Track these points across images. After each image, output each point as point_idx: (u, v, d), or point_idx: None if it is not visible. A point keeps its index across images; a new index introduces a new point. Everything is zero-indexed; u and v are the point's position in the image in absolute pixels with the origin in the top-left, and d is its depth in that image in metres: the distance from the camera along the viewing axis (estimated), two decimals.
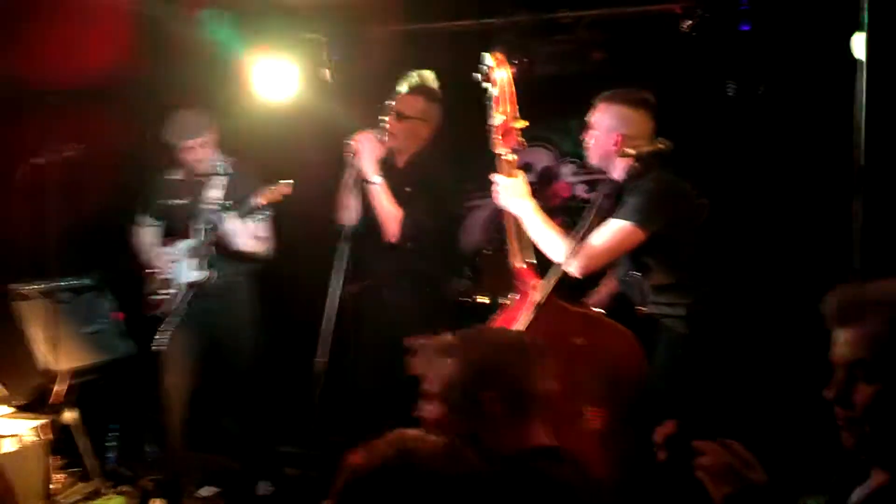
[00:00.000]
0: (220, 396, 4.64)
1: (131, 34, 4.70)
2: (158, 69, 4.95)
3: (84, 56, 4.51)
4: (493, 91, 3.06)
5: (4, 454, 3.76)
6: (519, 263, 3.09)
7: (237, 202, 4.12)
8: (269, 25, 4.85)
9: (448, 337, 1.98)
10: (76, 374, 4.33)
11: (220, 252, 4.19)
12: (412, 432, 1.44)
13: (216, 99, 4.85)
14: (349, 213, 3.70)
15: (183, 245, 4.26)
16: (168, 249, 4.31)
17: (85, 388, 4.54)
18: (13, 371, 4.25)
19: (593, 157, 3.20)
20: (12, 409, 4.18)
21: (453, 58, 4.37)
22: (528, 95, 3.09)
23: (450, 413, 1.87)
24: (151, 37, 4.78)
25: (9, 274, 4.32)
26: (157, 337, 4.19)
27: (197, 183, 4.27)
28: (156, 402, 4.30)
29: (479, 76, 3.09)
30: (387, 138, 3.81)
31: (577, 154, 5.93)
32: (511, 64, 3.08)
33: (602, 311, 3.17)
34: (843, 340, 1.49)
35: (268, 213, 4.28)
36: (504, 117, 3.02)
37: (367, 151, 3.72)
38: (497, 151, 3.07)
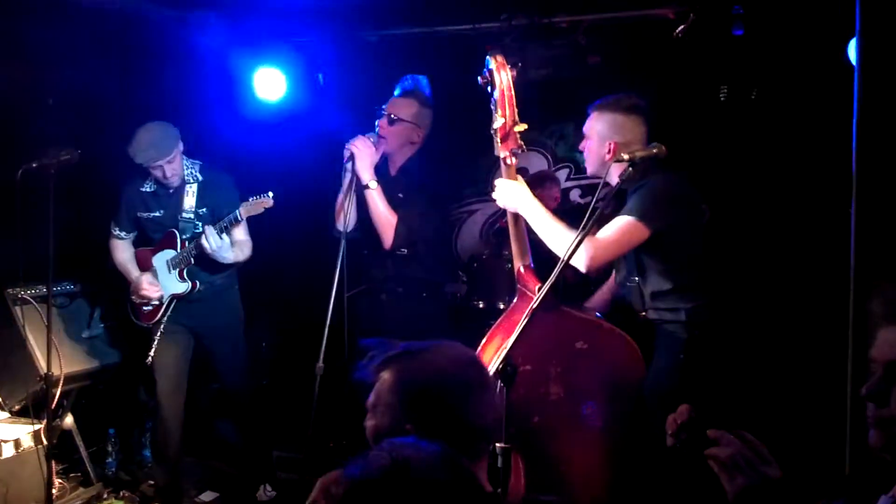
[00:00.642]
0: (219, 402, 4.64)
1: (127, 37, 4.71)
2: (153, 73, 4.95)
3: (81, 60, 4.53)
4: (494, 94, 3.06)
5: (2, 460, 3.76)
6: (519, 267, 3.10)
7: (213, 212, 4.10)
8: (262, 29, 4.86)
9: (389, 349, 1.79)
10: (74, 378, 4.32)
11: (200, 261, 4.15)
12: (407, 441, 1.39)
13: (209, 103, 4.87)
14: (346, 218, 3.70)
15: (163, 257, 4.23)
16: (148, 272, 4.27)
17: (83, 393, 4.54)
18: (11, 376, 4.25)
19: (590, 166, 3.24)
20: (9, 415, 4.18)
21: (450, 62, 4.39)
22: (523, 99, 3.10)
23: (377, 431, 1.71)
24: (146, 40, 4.78)
25: (6, 278, 4.31)
26: (151, 347, 4.19)
27: (170, 194, 4.21)
28: (150, 410, 4.29)
29: (480, 79, 3.09)
30: (380, 142, 3.82)
31: (571, 158, 5.98)
32: (511, 67, 3.08)
33: (601, 315, 3.18)
34: (885, 339, 1.46)
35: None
36: (504, 120, 3.02)
37: (363, 156, 3.72)
38: (498, 154, 3.07)
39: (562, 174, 5.97)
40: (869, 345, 1.49)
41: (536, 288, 2.93)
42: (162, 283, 4.22)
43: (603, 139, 3.13)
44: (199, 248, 4.03)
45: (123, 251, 4.35)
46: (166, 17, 4.73)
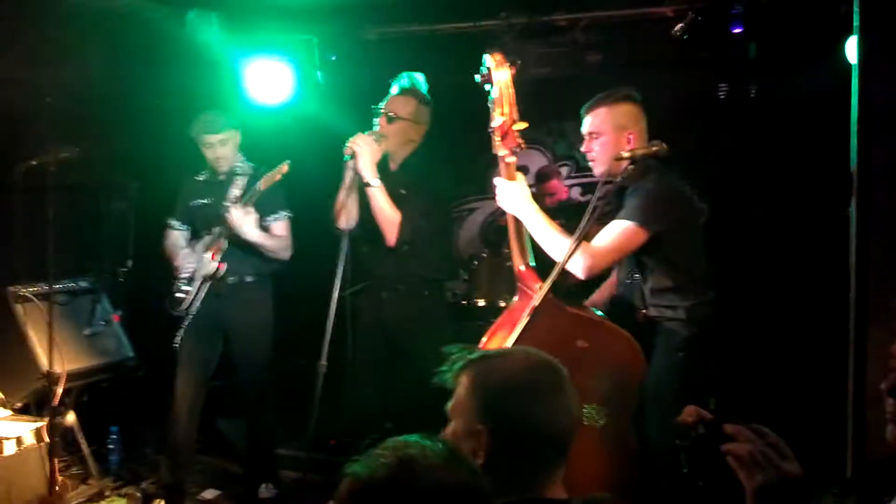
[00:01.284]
0: (222, 400, 4.65)
1: (126, 36, 4.71)
2: (152, 72, 4.95)
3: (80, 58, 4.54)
4: (493, 92, 3.06)
5: (5, 457, 3.76)
6: (520, 266, 3.11)
7: (257, 208, 4.16)
8: (263, 27, 4.87)
9: (469, 353, 1.77)
10: (76, 376, 4.33)
11: (235, 253, 4.20)
12: (412, 440, 1.37)
13: (209, 102, 4.87)
14: (347, 216, 3.70)
15: (201, 242, 4.29)
16: (189, 251, 4.35)
17: (85, 390, 4.55)
18: (13, 373, 4.25)
19: (603, 164, 3.12)
20: (11, 412, 4.18)
21: (449, 60, 4.40)
22: (522, 98, 3.10)
23: (455, 435, 1.67)
24: (145, 39, 4.79)
25: (7, 276, 4.32)
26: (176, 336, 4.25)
27: (219, 183, 4.31)
28: (164, 403, 4.30)
29: (478, 78, 3.09)
30: (380, 141, 3.83)
31: (571, 157, 5.99)
32: (510, 65, 3.08)
33: (602, 313, 3.19)
34: None
35: (287, 214, 4.31)
36: (504, 119, 3.02)
37: (365, 154, 3.73)
38: (497, 153, 3.07)
39: (561, 171, 5.97)
40: (891, 340, 1.49)
41: (537, 287, 2.93)
42: (198, 266, 4.26)
43: (621, 130, 3.09)
44: (229, 225, 4.12)
45: (176, 238, 4.44)
46: (165, 14, 4.73)
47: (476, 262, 5.21)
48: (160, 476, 4.37)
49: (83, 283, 4.71)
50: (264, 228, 4.23)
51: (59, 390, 4.02)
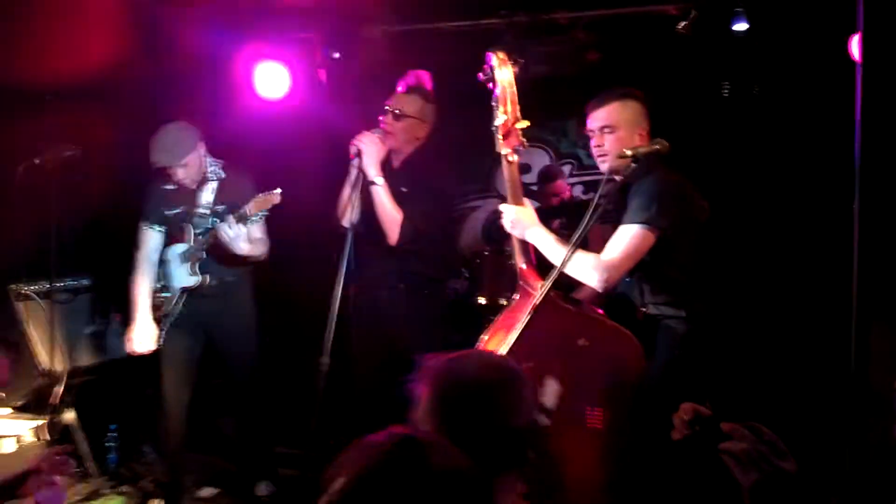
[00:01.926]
0: (220, 398, 4.65)
1: (128, 34, 4.70)
2: (155, 70, 4.95)
3: (81, 56, 4.52)
4: (496, 91, 3.05)
5: (3, 455, 3.76)
6: (521, 264, 3.10)
7: (230, 207, 4.10)
8: (264, 26, 4.86)
9: (437, 359, 1.78)
10: (75, 374, 4.33)
11: (213, 255, 4.15)
12: (405, 427, 1.38)
13: (213, 100, 4.87)
14: (350, 214, 3.70)
15: (175, 250, 4.24)
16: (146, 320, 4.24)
17: (84, 388, 4.55)
18: (13, 371, 4.25)
19: (613, 160, 3.06)
20: (11, 410, 4.18)
21: (451, 58, 4.39)
22: (524, 96, 3.09)
23: None
24: (148, 37, 4.78)
25: (8, 274, 4.32)
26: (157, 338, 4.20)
27: (190, 190, 4.22)
28: (154, 403, 4.30)
29: (481, 76, 3.08)
30: (385, 138, 3.82)
31: (573, 155, 5.98)
32: (513, 63, 3.07)
33: (601, 311, 3.17)
34: None
35: (263, 214, 4.27)
36: (506, 117, 3.01)
37: (369, 152, 3.72)
38: (500, 152, 3.06)
39: (564, 170, 5.97)
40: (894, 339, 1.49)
41: (538, 285, 2.93)
42: (172, 276, 4.23)
43: (633, 127, 3.08)
44: (216, 238, 4.04)
45: (156, 239, 4.29)
46: (167, 12, 4.73)
47: (478, 261, 5.20)
48: (158, 474, 4.37)
49: (84, 282, 4.71)
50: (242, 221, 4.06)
51: (60, 388, 4.02)
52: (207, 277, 4.16)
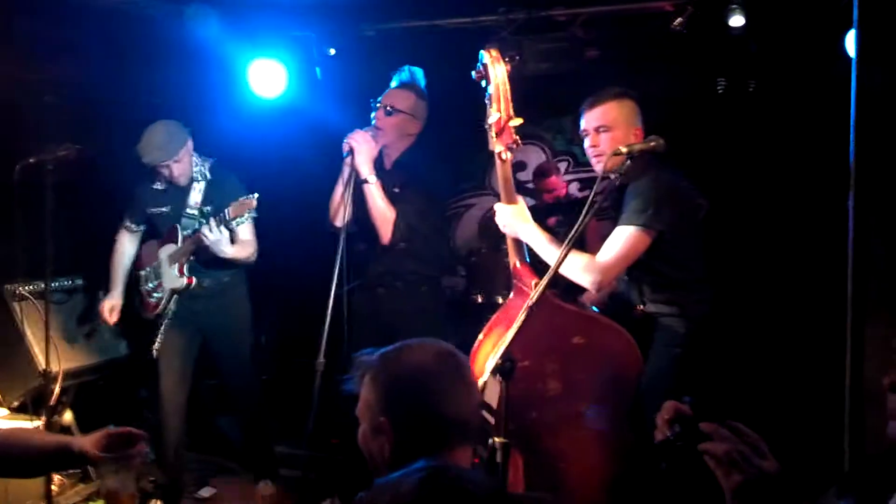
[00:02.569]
0: (217, 398, 4.64)
1: (125, 33, 4.70)
2: (150, 69, 4.94)
3: (79, 55, 4.52)
4: (489, 89, 3.04)
5: None
6: (515, 262, 3.09)
7: (216, 208, 4.09)
8: (260, 24, 4.85)
9: (370, 356, 1.81)
10: (72, 374, 4.32)
11: (206, 256, 4.15)
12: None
13: (207, 98, 4.86)
14: (345, 213, 3.69)
15: (166, 251, 4.25)
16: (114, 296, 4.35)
17: (82, 389, 4.54)
18: (10, 372, 4.24)
19: (608, 159, 3.04)
20: (8, 411, 4.17)
21: (447, 56, 4.38)
22: (521, 93, 3.08)
23: (364, 435, 1.74)
24: (145, 36, 4.77)
25: (4, 274, 4.31)
26: (155, 340, 4.22)
27: (178, 190, 4.24)
28: (153, 403, 4.30)
29: (474, 74, 3.07)
30: (377, 136, 3.81)
31: (569, 152, 5.97)
32: (506, 61, 3.06)
33: (598, 309, 3.17)
34: None
35: (251, 216, 4.23)
36: (500, 115, 2.99)
37: (361, 150, 3.71)
38: (493, 149, 3.06)
39: (560, 167, 5.96)
40: (890, 335, 1.48)
41: (533, 283, 2.91)
42: (164, 276, 4.24)
43: (628, 126, 3.09)
44: (199, 241, 4.03)
45: (126, 247, 4.42)
46: (163, 11, 4.71)
47: (474, 259, 5.20)
48: (157, 474, 4.36)
49: (80, 282, 4.70)
50: (231, 232, 4.06)
51: (57, 389, 4.01)
52: (194, 279, 4.16)
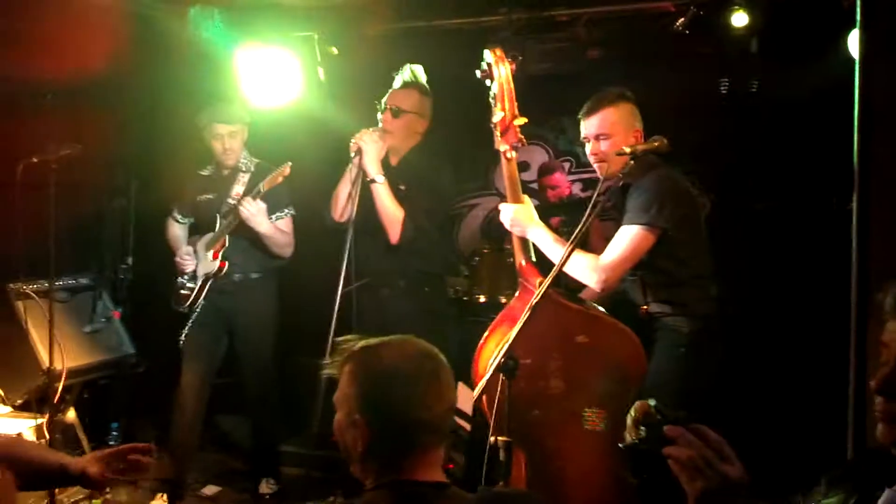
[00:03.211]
0: (223, 396, 4.65)
1: (126, 33, 4.70)
2: (153, 69, 4.94)
3: (80, 55, 4.52)
4: (494, 88, 3.05)
5: None
6: (521, 261, 3.10)
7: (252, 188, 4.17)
8: (263, 24, 4.85)
9: (353, 343, 1.81)
10: (76, 373, 4.33)
11: (239, 251, 4.21)
12: None
13: (211, 98, 4.85)
14: (351, 212, 3.70)
15: (202, 242, 4.31)
16: (190, 248, 4.40)
17: (85, 387, 4.54)
18: (13, 370, 4.25)
19: (613, 163, 3.05)
20: (11, 409, 4.18)
21: (450, 56, 4.39)
22: (524, 93, 3.09)
23: (338, 425, 1.75)
24: (146, 36, 4.77)
25: (7, 273, 4.31)
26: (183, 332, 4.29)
27: (223, 178, 4.32)
28: (165, 399, 4.31)
29: (478, 73, 3.08)
30: (384, 136, 3.82)
31: (572, 152, 5.97)
32: (509, 60, 3.07)
33: (602, 308, 3.17)
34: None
35: (290, 212, 4.32)
36: (504, 114, 3.01)
37: (369, 150, 3.72)
38: (498, 148, 3.06)
39: (564, 166, 5.95)
40: (880, 339, 1.47)
41: (537, 282, 2.92)
42: (199, 264, 4.31)
43: (627, 129, 3.10)
44: (238, 217, 4.11)
45: (177, 230, 4.51)
46: (165, 11, 4.72)
47: (477, 258, 5.19)
48: (161, 472, 4.36)
49: (83, 280, 4.70)
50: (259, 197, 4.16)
51: (60, 387, 4.02)
52: (227, 265, 4.21)
